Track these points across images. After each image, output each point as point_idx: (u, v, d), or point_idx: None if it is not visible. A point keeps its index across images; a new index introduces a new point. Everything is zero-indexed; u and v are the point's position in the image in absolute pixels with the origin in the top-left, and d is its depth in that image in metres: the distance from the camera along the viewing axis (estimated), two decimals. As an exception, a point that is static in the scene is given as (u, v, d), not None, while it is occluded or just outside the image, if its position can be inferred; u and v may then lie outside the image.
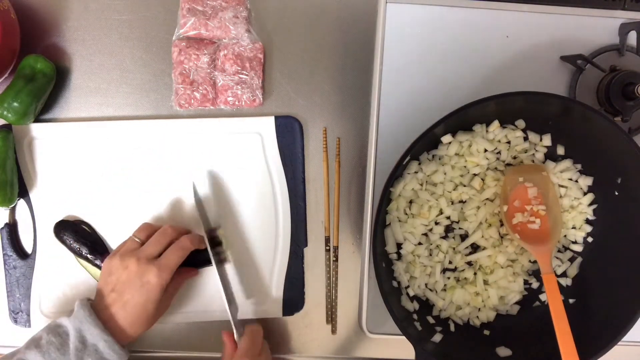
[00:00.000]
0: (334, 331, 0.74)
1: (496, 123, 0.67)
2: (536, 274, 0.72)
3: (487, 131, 0.68)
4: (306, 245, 0.74)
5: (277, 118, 0.73)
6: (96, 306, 0.62)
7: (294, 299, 0.74)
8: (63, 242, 0.71)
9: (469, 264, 0.71)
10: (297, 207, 0.73)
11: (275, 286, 0.73)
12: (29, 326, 0.73)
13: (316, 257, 0.74)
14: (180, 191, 0.73)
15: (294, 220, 0.73)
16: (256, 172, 0.73)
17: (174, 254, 0.64)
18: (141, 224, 0.68)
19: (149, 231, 0.67)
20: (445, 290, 0.70)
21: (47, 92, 0.71)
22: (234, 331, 0.66)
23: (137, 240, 0.66)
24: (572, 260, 0.72)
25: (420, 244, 0.70)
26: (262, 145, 0.73)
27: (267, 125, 0.73)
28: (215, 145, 0.73)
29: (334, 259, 0.74)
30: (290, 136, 0.73)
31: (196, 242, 0.66)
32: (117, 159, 0.73)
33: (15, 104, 0.67)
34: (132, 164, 0.72)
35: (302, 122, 0.74)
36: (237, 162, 0.73)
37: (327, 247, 0.74)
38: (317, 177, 0.74)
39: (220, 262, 0.71)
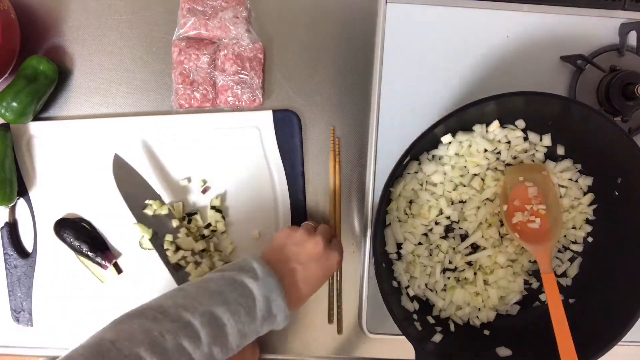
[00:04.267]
0: (339, 331, 0.74)
1: (496, 123, 0.67)
2: (536, 274, 0.72)
3: (487, 131, 0.68)
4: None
5: (275, 112, 0.73)
6: (281, 276, 0.59)
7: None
8: (63, 240, 0.71)
9: (469, 264, 0.71)
10: (296, 201, 0.73)
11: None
12: (31, 325, 0.73)
13: (316, 257, 0.74)
14: (179, 187, 0.73)
15: (294, 214, 0.73)
16: (255, 166, 0.73)
17: (339, 247, 0.66)
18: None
19: (314, 225, 0.68)
20: (445, 290, 0.70)
21: (47, 93, 0.71)
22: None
23: (312, 224, 0.67)
24: (572, 260, 0.72)
25: (420, 244, 0.70)
26: (261, 139, 0.73)
27: (265, 119, 0.73)
28: (214, 139, 0.73)
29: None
30: (288, 130, 0.73)
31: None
32: (112, 155, 0.72)
33: (14, 104, 0.67)
34: (131, 161, 0.72)
35: (302, 122, 0.74)
36: (235, 155, 0.73)
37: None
38: (317, 175, 0.74)
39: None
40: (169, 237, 0.69)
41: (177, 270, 0.69)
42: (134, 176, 0.70)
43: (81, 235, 0.71)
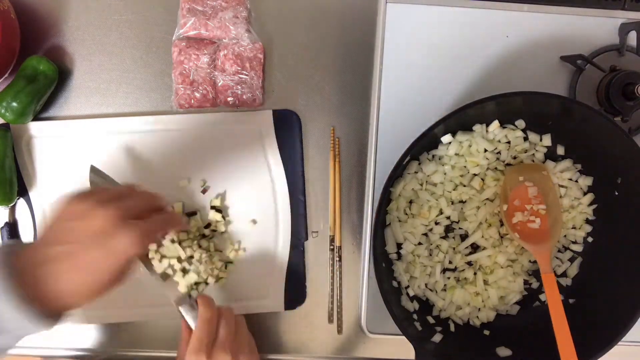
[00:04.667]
0: (339, 331, 0.74)
1: (496, 123, 0.67)
2: (536, 274, 0.72)
3: (487, 131, 0.68)
4: (307, 239, 0.74)
5: (275, 112, 0.73)
6: (28, 255, 0.46)
7: (295, 292, 0.74)
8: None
9: (469, 264, 0.71)
10: (297, 200, 0.73)
11: (276, 280, 0.73)
12: (29, 326, 0.73)
13: (317, 254, 0.74)
14: (179, 187, 0.73)
15: (294, 213, 0.73)
16: (255, 166, 0.73)
17: (161, 225, 0.52)
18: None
19: (132, 191, 0.53)
20: (445, 290, 0.70)
21: (47, 93, 0.71)
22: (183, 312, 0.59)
23: (121, 192, 0.51)
24: (572, 260, 0.72)
25: (420, 244, 0.70)
26: (261, 139, 0.73)
27: (265, 119, 0.73)
28: (214, 139, 0.73)
29: (338, 258, 0.74)
30: (288, 130, 0.73)
31: (182, 226, 0.57)
32: (116, 155, 0.73)
33: (14, 104, 0.67)
34: (131, 161, 0.72)
35: (302, 122, 0.74)
36: (235, 155, 0.73)
37: (332, 247, 0.74)
38: (317, 175, 0.74)
39: None
40: (152, 247, 0.61)
41: (164, 280, 0.63)
42: (112, 184, 0.65)
43: (81, 235, 0.71)
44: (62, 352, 0.74)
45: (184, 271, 0.65)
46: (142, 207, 0.50)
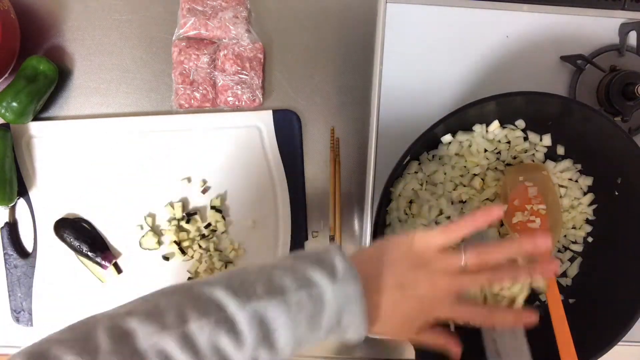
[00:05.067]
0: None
1: (496, 123, 0.67)
2: (536, 274, 0.72)
3: (487, 131, 0.68)
4: (307, 239, 0.74)
5: (275, 111, 0.73)
6: (369, 280, 0.46)
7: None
8: (63, 240, 0.71)
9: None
10: (297, 201, 0.73)
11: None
12: (31, 325, 0.73)
13: (316, 257, 0.74)
14: (179, 187, 0.73)
15: (294, 213, 0.73)
16: (255, 166, 0.73)
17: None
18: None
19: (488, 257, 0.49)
20: (445, 290, 0.70)
21: (47, 93, 0.71)
22: None
23: (463, 255, 0.48)
24: (572, 260, 0.72)
25: (420, 244, 0.70)
26: (261, 139, 0.73)
27: (265, 119, 0.73)
28: (214, 139, 0.73)
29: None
30: (288, 130, 0.73)
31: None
32: (116, 155, 0.73)
33: (14, 104, 0.67)
34: (130, 161, 0.73)
35: (302, 122, 0.74)
36: (235, 155, 0.73)
37: (330, 247, 0.74)
38: (317, 175, 0.74)
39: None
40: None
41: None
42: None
43: (81, 235, 0.71)
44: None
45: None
46: (485, 283, 0.49)
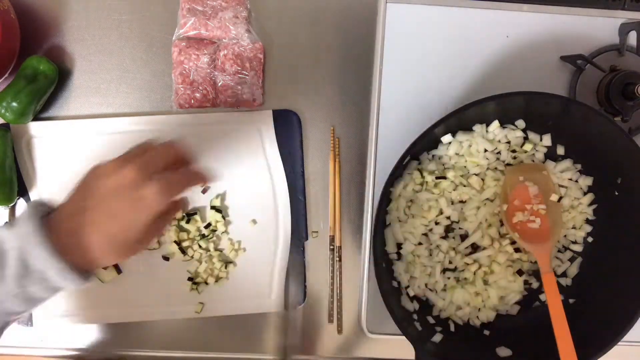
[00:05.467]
0: (340, 331, 0.74)
1: (496, 123, 0.67)
2: (536, 274, 0.72)
3: (487, 131, 0.68)
4: (307, 239, 0.74)
5: (275, 112, 0.73)
6: (57, 215, 0.48)
7: (295, 292, 0.74)
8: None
9: (469, 264, 0.71)
10: (297, 200, 0.73)
11: (277, 280, 0.73)
12: (31, 325, 0.73)
13: (317, 255, 0.74)
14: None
15: (294, 213, 0.73)
16: (255, 166, 0.73)
17: (182, 178, 0.52)
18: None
19: (153, 146, 0.53)
20: (445, 290, 0.70)
21: (47, 93, 0.71)
22: None
23: (144, 148, 0.52)
24: (572, 260, 0.72)
25: (420, 244, 0.70)
26: (261, 139, 0.73)
27: (265, 119, 0.73)
28: (214, 138, 0.73)
29: (338, 258, 0.74)
30: (288, 129, 0.73)
31: (203, 180, 0.55)
32: (116, 155, 0.72)
33: (14, 104, 0.67)
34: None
35: (302, 122, 0.74)
36: (235, 155, 0.73)
37: (332, 247, 0.74)
38: (317, 175, 0.74)
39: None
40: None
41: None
42: None
43: (81, 235, 0.71)
44: (62, 352, 0.74)
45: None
46: (167, 160, 0.51)
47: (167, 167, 0.51)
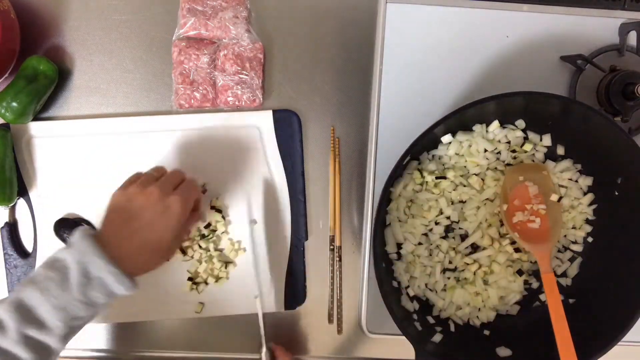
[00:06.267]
0: (339, 331, 0.74)
1: (496, 123, 0.67)
2: (536, 274, 0.72)
3: (487, 131, 0.68)
4: (307, 239, 0.74)
5: (275, 112, 0.73)
6: (102, 235, 0.57)
7: (295, 292, 0.74)
8: (63, 240, 0.71)
9: (469, 264, 0.71)
10: (297, 200, 0.73)
11: (277, 279, 0.73)
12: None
13: (317, 255, 0.74)
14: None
15: (294, 213, 0.73)
16: (255, 166, 0.73)
17: (191, 189, 0.62)
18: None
19: (161, 171, 0.64)
20: (445, 290, 0.70)
21: (47, 93, 0.71)
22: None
23: (153, 174, 0.62)
24: (572, 260, 0.72)
25: (420, 244, 0.70)
26: (261, 139, 0.73)
27: (265, 119, 0.73)
28: (214, 139, 0.73)
29: (338, 258, 0.74)
30: (288, 130, 0.73)
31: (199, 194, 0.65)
32: (116, 155, 0.73)
33: (14, 104, 0.67)
34: (130, 160, 0.72)
35: (302, 122, 0.74)
36: (235, 155, 0.73)
37: (332, 247, 0.74)
38: (317, 174, 0.74)
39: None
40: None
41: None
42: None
43: (81, 235, 0.71)
44: (66, 353, 0.74)
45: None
46: (174, 181, 0.61)
47: (177, 186, 0.61)
